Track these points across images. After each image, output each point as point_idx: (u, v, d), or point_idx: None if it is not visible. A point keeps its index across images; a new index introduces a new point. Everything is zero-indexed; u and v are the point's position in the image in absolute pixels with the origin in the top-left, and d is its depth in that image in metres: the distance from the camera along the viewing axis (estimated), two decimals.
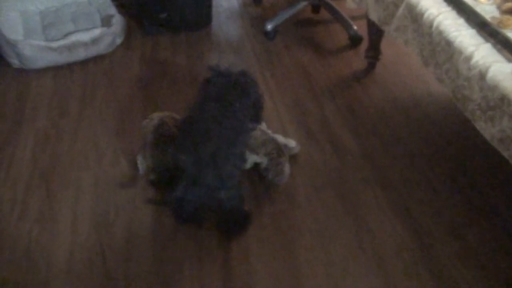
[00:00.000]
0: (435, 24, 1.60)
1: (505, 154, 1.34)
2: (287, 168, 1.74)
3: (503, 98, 1.31)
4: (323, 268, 1.53)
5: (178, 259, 1.55)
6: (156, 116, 1.78)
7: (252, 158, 1.74)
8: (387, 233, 1.63)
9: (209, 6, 2.61)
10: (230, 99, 1.50)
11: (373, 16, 2.00)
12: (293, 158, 1.86)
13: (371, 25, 2.13)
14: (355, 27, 2.47)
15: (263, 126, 1.81)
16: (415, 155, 1.91)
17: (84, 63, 2.38)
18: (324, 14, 2.70)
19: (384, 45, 2.26)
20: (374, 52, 2.28)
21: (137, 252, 1.57)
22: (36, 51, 2.27)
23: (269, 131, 1.82)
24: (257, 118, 1.65)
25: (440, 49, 1.58)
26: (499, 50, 1.43)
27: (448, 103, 2.11)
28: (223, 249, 1.58)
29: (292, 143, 1.87)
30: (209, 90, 1.54)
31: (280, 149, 1.75)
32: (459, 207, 1.71)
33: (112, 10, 2.58)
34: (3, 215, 1.68)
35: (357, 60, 2.40)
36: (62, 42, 2.32)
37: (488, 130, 1.40)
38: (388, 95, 2.19)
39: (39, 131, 2.00)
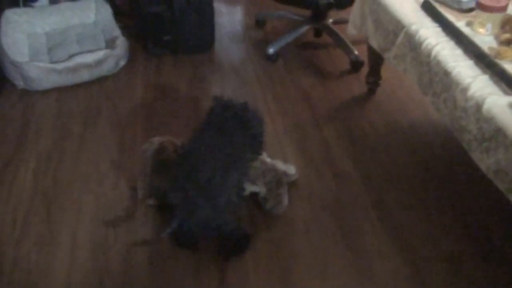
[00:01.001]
0: (433, 54, 1.61)
1: (500, 186, 1.35)
2: (285, 199, 1.76)
3: (498, 130, 1.33)
4: None
5: (175, 284, 1.56)
6: (156, 141, 1.79)
7: (250, 188, 1.75)
8: (384, 260, 1.63)
9: (212, 29, 2.65)
10: (229, 129, 1.52)
11: (374, 43, 2.02)
12: (291, 182, 1.87)
13: (371, 50, 2.15)
14: (356, 52, 2.50)
15: (263, 155, 1.82)
16: (413, 181, 1.91)
17: (87, 84, 2.41)
18: (326, 38, 2.73)
19: (385, 70, 2.28)
20: (374, 77, 2.30)
21: (135, 276, 1.58)
22: (40, 73, 2.31)
23: (268, 160, 1.83)
24: (256, 151, 1.66)
25: (438, 79, 1.60)
26: (496, 82, 1.44)
27: (446, 129, 2.12)
28: (220, 274, 1.59)
29: (291, 169, 1.88)
30: (209, 120, 1.56)
31: (279, 180, 1.76)
32: (456, 235, 1.71)
33: (117, 31, 2.62)
34: (3, 236, 1.69)
35: (357, 84, 2.42)
36: (66, 64, 2.36)
37: (483, 161, 1.41)
38: (388, 120, 2.20)
39: (42, 153, 2.02)
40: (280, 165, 1.86)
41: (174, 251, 1.65)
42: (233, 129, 1.54)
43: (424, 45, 1.66)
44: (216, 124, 1.55)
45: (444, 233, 1.72)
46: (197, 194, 1.45)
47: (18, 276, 1.57)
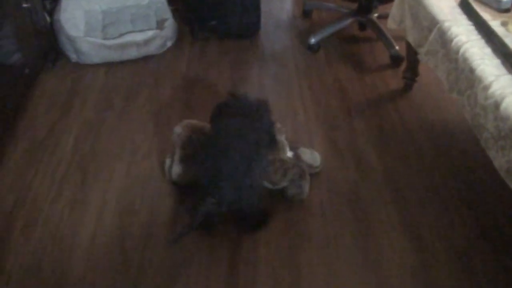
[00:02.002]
0: (461, 50, 1.61)
1: (511, 185, 1.35)
2: (306, 188, 1.80)
3: None
4: (324, 277, 1.58)
5: (189, 252, 1.65)
6: (186, 126, 1.85)
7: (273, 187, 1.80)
8: (393, 251, 1.65)
9: (258, 17, 2.71)
10: (251, 116, 1.60)
11: (410, 38, 2.03)
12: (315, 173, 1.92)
13: (409, 46, 2.15)
14: (397, 47, 2.49)
15: (286, 151, 1.85)
16: (435, 178, 1.91)
17: (134, 62, 2.54)
18: (369, 32, 2.74)
19: (425, 68, 2.26)
20: (411, 73, 2.30)
21: (154, 241, 1.68)
22: (92, 47, 2.46)
23: (291, 154, 1.85)
24: (271, 145, 1.72)
25: (463, 76, 1.60)
26: None
27: None
28: (233, 246, 1.67)
29: (317, 160, 1.91)
30: (229, 110, 1.64)
31: (302, 172, 1.79)
32: (470, 233, 1.71)
33: (168, 14, 2.74)
34: (41, 194, 1.84)
35: (395, 80, 2.42)
36: (116, 41, 2.50)
37: (498, 160, 1.41)
38: (419, 117, 2.19)
39: (84, 121, 2.17)
40: (306, 156, 1.89)
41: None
42: (253, 116, 1.61)
43: (454, 42, 1.66)
44: (235, 112, 1.62)
45: (458, 230, 1.72)
46: (224, 180, 1.51)
47: (49, 229, 1.72)
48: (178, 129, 1.86)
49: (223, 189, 1.51)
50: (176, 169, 1.82)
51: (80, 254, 1.64)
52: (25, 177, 1.91)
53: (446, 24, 1.73)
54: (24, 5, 2.13)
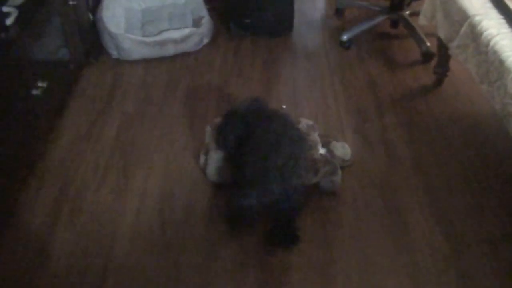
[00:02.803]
0: (491, 43, 1.65)
1: None
2: (338, 182, 1.85)
3: None
4: (355, 261, 1.64)
5: (223, 239, 1.73)
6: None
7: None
8: (425, 238, 1.70)
9: (291, 16, 2.79)
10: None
11: (441, 33, 2.07)
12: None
13: (440, 41, 2.19)
14: (428, 44, 2.52)
15: (317, 147, 1.90)
16: (466, 170, 1.95)
17: (172, 58, 2.64)
18: (401, 29, 2.77)
19: (455, 63, 2.29)
20: (442, 68, 2.33)
21: (192, 227, 1.77)
22: (132, 44, 2.57)
23: (323, 151, 1.90)
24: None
25: (493, 68, 1.63)
26: None
27: None
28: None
29: (347, 154, 1.96)
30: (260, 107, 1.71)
31: (334, 168, 1.85)
32: (500, 222, 1.75)
33: (204, 12, 2.83)
34: (85, 183, 1.95)
35: (425, 75, 2.45)
36: (155, 38, 2.60)
37: None
38: (451, 112, 2.23)
39: (125, 114, 2.28)
40: (339, 151, 1.94)
41: None
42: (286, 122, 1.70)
43: (484, 35, 1.70)
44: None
45: (488, 218, 1.76)
46: (273, 177, 1.56)
47: (93, 215, 1.82)
48: (209, 129, 1.95)
49: (271, 182, 1.55)
50: (213, 176, 1.90)
51: (124, 237, 1.74)
52: (70, 166, 2.02)
53: (477, 18, 1.77)
54: (71, 2, 2.25)
